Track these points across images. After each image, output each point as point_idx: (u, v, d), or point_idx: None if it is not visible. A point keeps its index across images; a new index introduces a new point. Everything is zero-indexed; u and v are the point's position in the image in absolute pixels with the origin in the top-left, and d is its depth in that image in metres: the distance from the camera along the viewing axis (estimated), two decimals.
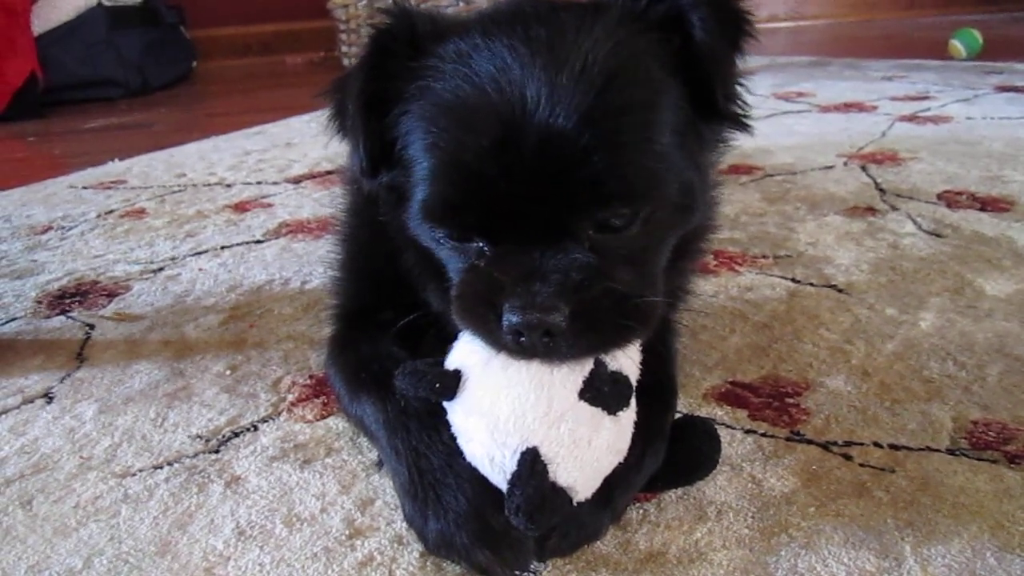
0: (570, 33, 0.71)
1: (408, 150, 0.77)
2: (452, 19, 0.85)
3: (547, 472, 0.71)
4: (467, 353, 0.78)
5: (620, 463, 0.77)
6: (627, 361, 0.78)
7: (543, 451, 0.71)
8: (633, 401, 0.78)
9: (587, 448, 0.73)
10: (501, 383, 0.74)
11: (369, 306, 0.99)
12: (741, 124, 0.82)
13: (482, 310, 0.72)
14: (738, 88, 0.80)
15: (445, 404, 0.78)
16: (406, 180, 0.78)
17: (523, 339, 0.69)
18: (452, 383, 0.76)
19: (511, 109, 0.68)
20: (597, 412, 0.74)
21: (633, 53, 0.73)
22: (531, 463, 0.71)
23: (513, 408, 0.73)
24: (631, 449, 0.78)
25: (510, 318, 0.69)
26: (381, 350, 0.93)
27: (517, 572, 0.73)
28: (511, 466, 0.72)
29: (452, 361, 0.79)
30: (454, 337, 0.81)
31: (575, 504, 0.73)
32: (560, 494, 0.72)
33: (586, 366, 0.75)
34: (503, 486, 0.73)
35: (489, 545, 0.72)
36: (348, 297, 1.05)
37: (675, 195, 0.76)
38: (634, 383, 0.78)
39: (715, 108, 0.78)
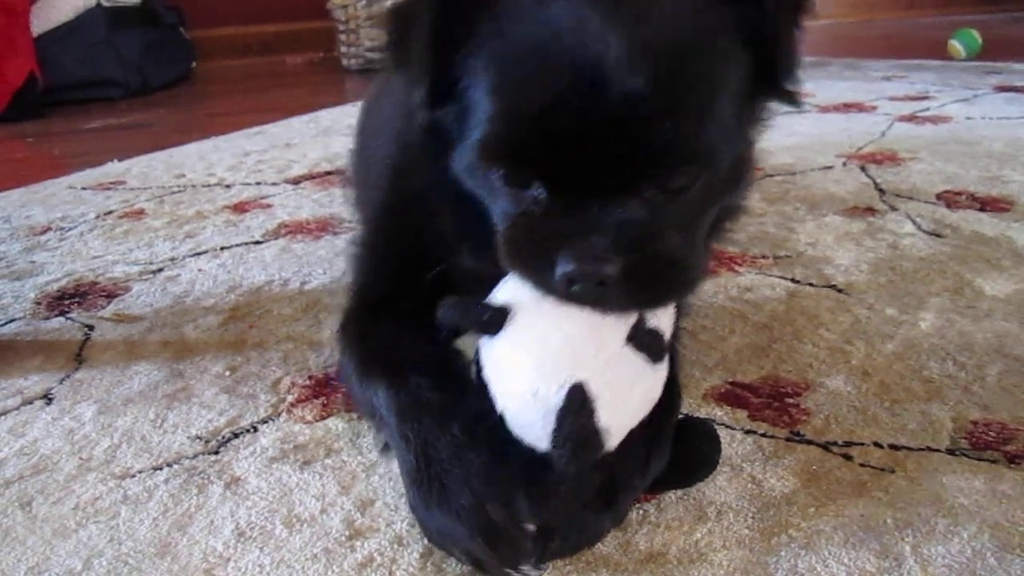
0: None
1: (472, 90, 0.76)
2: None
3: (594, 409, 0.72)
4: (516, 292, 0.78)
5: (644, 418, 0.78)
6: (664, 319, 0.80)
7: (589, 388, 0.72)
8: (667, 358, 0.79)
9: (628, 393, 0.75)
10: (552, 320, 0.75)
11: (389, 287, 0.98)
12: (794, 100, 0.83)
13: (536, 255, 0.74)
14: (797, 64, 0.81)
15: (485, 341, 0.78)
16: (461, 120, 0.78)
17: (575, 287, 0.71)
18: (500, 318, 0.76)
19: (593, 63, 0.68)
20: (640, 359, 0.76)
21: (710, 22, 0.74)
22: (581, 398, 0.71)
23: (564, 343, 0.74)
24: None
25: (566, 266, 0.70)
26: (398, 335, 0.92)
27: (511, 571, 0.73)
28: (556, 400, 0.72)
29: (498, 299, 0.79)
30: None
31: (606, 449, 0.73)
32: (599, 435, 0.72)
33: (632, 316, 0.76)
34: (537, 425, 0.73)
35: (488, 539, 0.72)
36: (368, 275, 1.03)
37: (728, 166, 0.77)
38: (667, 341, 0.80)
39: (772, 82, 0.79)
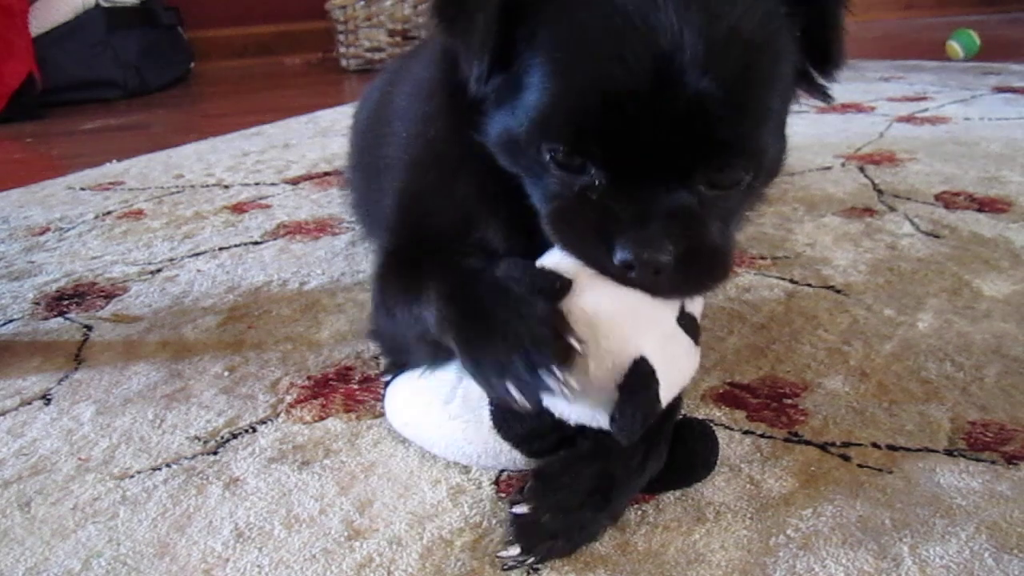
0: None
1: (530, 68, 0.75)
2: None
3: (658, 382, 0.74)
4: (569, 263, 0.79)
5: (677, 395, 0.82)
6: (697, 307, 0.84)
7: (650, 363, 0.75)
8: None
9: (678, 370, 0.79)
10: (617, 293, 0.77)
11: (420, 251, 0.95)
12: (827, 96, 0.86)
13: (592, 239, 0.75)
14: (844, 61, 0.82)
15: None
16: (507, 94, 0.77)
17: (632, 274, 0.73)
18: (567, 286, 0.78)
19: (669, 55, 0.68)
20: (688, 339, 0.80)
21: (775, 24, 0.74)
22: (648, 372, 0.74)
23: (628, 317, 0.76)
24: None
25: (625, 253, 0.72)
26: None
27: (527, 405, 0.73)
28: (619, 373, 0.74)
29: (558, 268, 0.80)
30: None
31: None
32: (658, 409, 0.75)
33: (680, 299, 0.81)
34: (604, 394, 0.74)
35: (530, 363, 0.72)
36: (399, 241, 1.00)
37: (772, 162, 0.80)
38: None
39: (810, 78, 0.82)
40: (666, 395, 0.77)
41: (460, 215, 0.89)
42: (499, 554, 0.77)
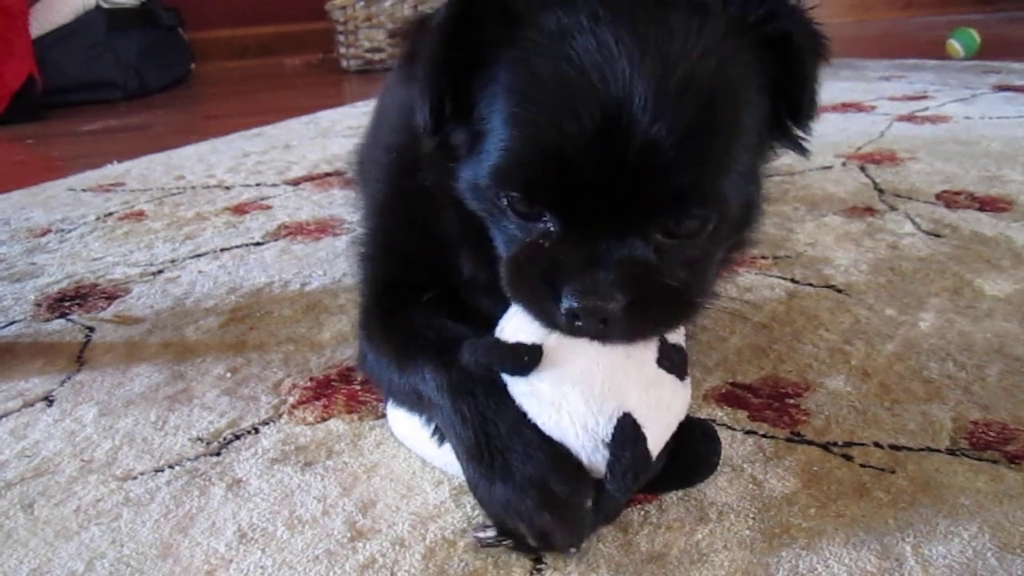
0: (678, 38, 0.71)
1: (488, 115, 0.76)
2: None
3: (646, 435, 0.74)
4: (536, 326, 0.79)
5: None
6: (678, 335, 0.83)
7: (636, 416, 0.74)
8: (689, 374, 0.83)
9: (667, 412, 0.78)
10: (591, 353, 0.77)
11: (404, 278, 0.98)
12: (802, 149, 0.84)
13: (541, 289, 0.75)
14: (815, 113, 0.81)
15: (520, 378, 0.79)
16: (472, 141, 0.78)
17: (579, 323, 0.73)
18: (537, 355, 0.77)
19: (618, 104, 0.68)
20: (672, 378, 0.79)
21: (736, 71, 0.74)
22: (633, 427, 0.74)
23: (607, 376, 0.76)
24: None
25: (571, 302, 0.72)
26: (428, 318, 0.91)
27: (573, 548, 0.76)
28: (606, 432, 0.74)
29: (519, 335, 0.80)
30: (481, 307, 0.84)
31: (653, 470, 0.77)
32: (650, 460, 0.75)
33: (655, 339, 0.80)
34: (594, 453, 0.75)
35: (553, 512, 0.73)
36: (380, 270, 1.03)
37: (738, 211, 0.79)
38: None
39: (784, 129, 0.81)
40: (659, 439, 0.77)
41: (439, 244, 0.91)
42: (475, 533, 0.79)
